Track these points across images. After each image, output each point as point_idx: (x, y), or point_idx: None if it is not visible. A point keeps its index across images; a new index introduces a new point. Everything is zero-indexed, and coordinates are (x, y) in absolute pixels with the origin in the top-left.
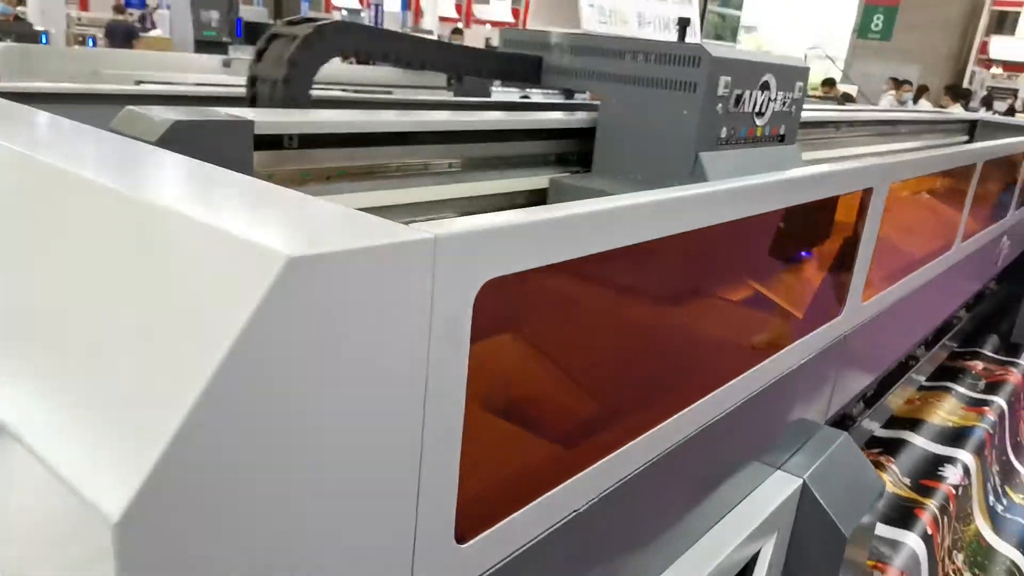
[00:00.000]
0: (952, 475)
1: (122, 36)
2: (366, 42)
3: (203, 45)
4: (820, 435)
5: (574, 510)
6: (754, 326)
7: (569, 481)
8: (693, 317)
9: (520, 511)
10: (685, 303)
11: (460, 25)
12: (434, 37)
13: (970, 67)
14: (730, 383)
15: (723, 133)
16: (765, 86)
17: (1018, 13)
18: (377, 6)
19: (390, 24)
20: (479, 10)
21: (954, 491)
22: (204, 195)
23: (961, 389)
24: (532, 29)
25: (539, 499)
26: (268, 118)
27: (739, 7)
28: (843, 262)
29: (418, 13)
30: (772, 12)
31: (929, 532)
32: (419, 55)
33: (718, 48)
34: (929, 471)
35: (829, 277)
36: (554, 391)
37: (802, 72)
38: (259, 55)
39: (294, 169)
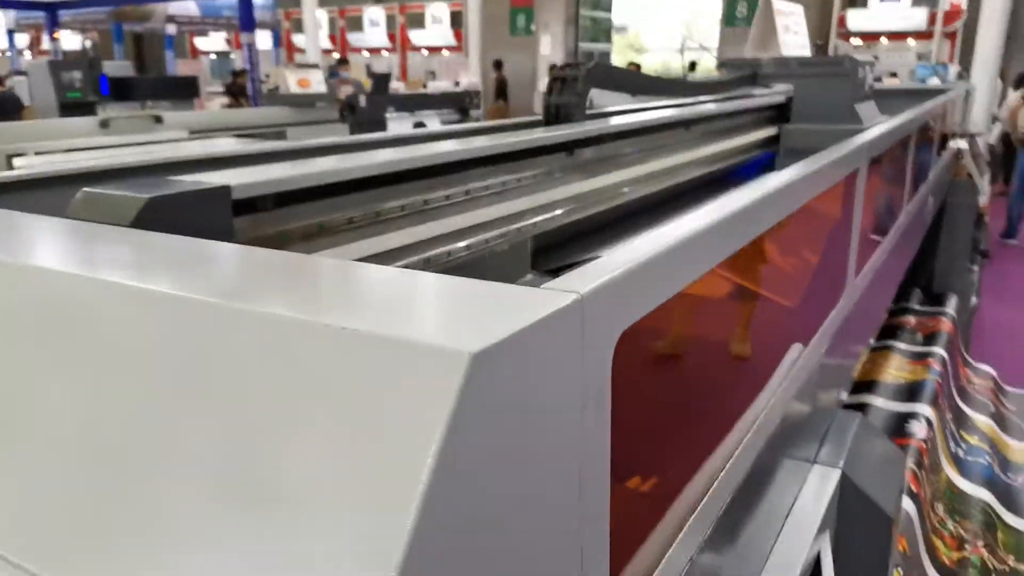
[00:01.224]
0: (919, 430)
1: (12, 107)
2: (622, 79)
3: (68, 107)
4: (838, 420)
5: (698, 546)
6: (793, 319)
7: (692, 521)
8: (761, 317)
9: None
10: (750, 308)
11: (337, 55)
12: (320, 70)
13: (832, 40)
14: (782, 377)
15: (858, 94)
16: (864, 70)
17: None
18: (249, 46)
19: (264, 62)
20: (354, 38)
21: (924, 445)
22: (320, 293)
23: (903, 345)
24: (748, 57)
25: (671, 551)
26: (244, 180)
27: (608, 9)
28: (841, 243)
29: (291, 49)
30: (640, 11)
31: (915, 491)
32: (668, 89)
33: (855, 54)
34: (898, 430)
35: (833, 259)
36: (670, 421)
37: (872, 63)
38: (550, 89)
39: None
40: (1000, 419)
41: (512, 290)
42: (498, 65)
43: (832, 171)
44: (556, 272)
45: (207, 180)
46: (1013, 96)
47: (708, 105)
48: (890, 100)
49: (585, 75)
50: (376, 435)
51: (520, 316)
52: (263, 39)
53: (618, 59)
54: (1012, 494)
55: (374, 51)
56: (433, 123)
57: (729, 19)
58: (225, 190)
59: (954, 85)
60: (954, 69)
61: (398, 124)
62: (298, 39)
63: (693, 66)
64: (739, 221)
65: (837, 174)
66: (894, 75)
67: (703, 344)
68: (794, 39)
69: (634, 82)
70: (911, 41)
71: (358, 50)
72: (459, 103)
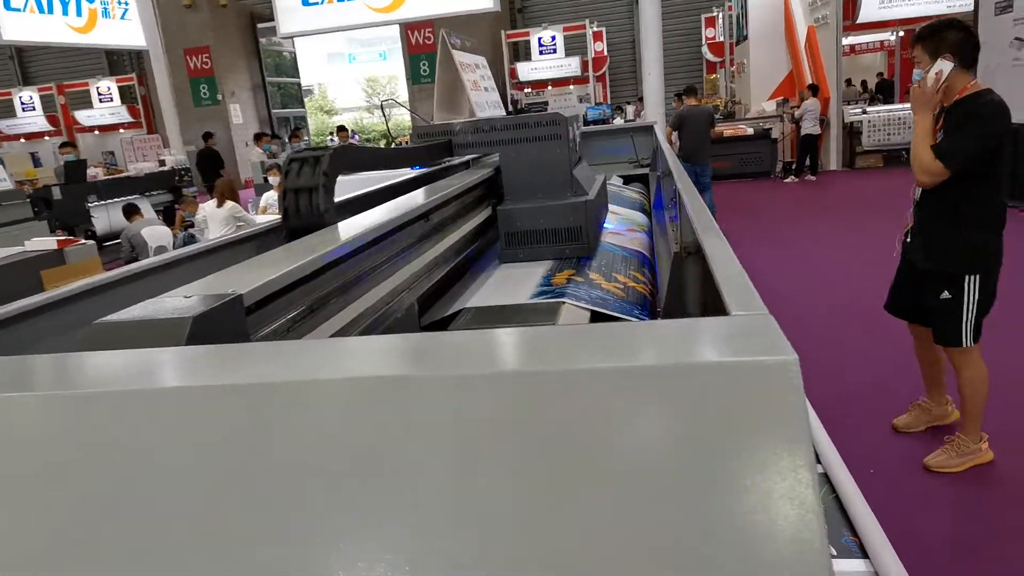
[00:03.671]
0: None
1: None
2: (364, 156)
3: None
4: None
5: None
6: None
7: None
8: None
9: None
10: None
11: None
12: (3, 166)
13: (508, 91)
14: None
15: (573, 156)
16: (574, 126)
17: (528, 42)
18: None
19: None
20: (6, 125)
21: None
22: (589, 347)
23: None
24: (439, 123)
25: None
26: (251, 285)
27: (294, 75)
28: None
29: None
30: (324, 73)
31: None
32: (394, 159)
33: (563, 111)
34: None
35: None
36: None
37: (576, 116)
38: (287, 174)
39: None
40: None
41: (721, 320)
42: (207, 136)
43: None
44: (436, 327)
45: (217, 290)
46: (667, 130)
47: (422, 195)
48: (605, 138)
49: (329, 169)
50: (759, 444)
51: (770, 330)
52: None
53: (313, 121)
54: None
55: (34, 136)
56: (144, 206)
57: (415, 78)
58: (239, 298)
59: (642, 122)
60: (631, 109)
61: (103, 212)
62: None
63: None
64: None
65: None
66: None
67: None
68: (486, 96)
69: (375, 159)
70: (572, 86)
71: (14, 137)
72: (169, 183)
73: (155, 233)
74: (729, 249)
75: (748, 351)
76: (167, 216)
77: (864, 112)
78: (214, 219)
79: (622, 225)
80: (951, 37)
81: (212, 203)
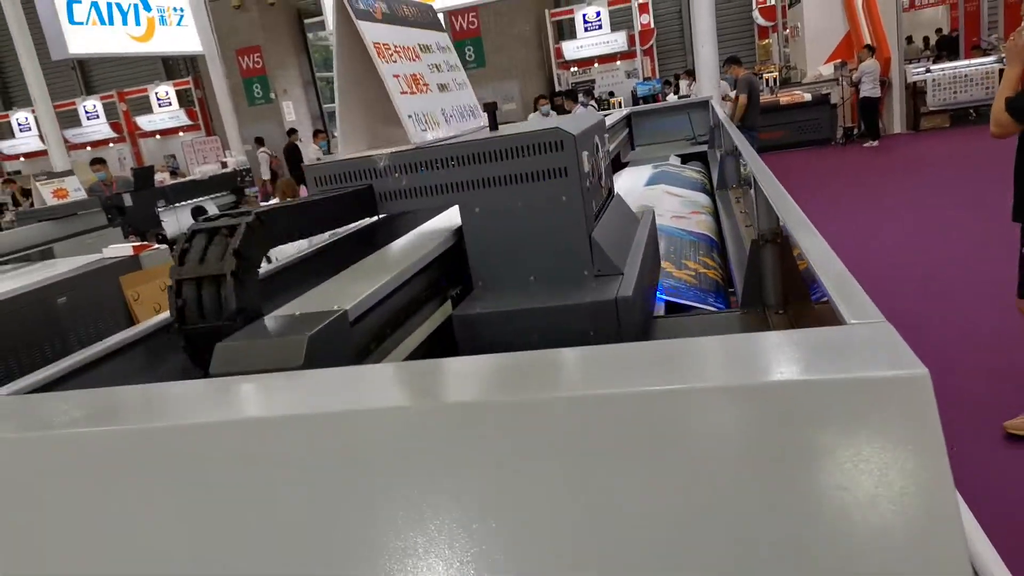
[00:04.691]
0: None
1: None
2: (293, 222)
3: None
4: None
5: None
6: None
7: None
8: None
9: None
10: None
11: None
12: (75, 176)
13: (555, 71)
14: None
15: (592, 203)
16: (593, 149)
17: (572, 19)
18: None
19: None
20: (72, 134)
21: None
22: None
23: None
24: (346, 157)
25: None
26: (351, 302)
27: None
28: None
29: None
30: None
31: None
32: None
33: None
34: None
35: None
36: None
37: (601, 123)
38: (182, 257)
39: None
40: None
41: (832, 330)
42: (291, 133)
43: None
44: None
45: (308, 307)
46: (741, 97)
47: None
48: (659, 116)
49: (244, 246)
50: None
51: (894, 342)
52: None
53: None
54: None
55: (99, 144)
56: (210, 208)
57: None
58: (344, 314)
59: (698, 97)
60: (685, 84)
61: (172, 216)
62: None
63: None
64: None
65: None
66: (612, 94)
67: None
68: (441, 101)
69: (300, 220)
70: (619, 62)
71: (80, 146)
72: (232, 184)
73: None
74: (825, 243)
75: (876, 366)
76: None
77: (928, 71)
78: None
79: (685, 207)
80: None
81: (275, 202)
